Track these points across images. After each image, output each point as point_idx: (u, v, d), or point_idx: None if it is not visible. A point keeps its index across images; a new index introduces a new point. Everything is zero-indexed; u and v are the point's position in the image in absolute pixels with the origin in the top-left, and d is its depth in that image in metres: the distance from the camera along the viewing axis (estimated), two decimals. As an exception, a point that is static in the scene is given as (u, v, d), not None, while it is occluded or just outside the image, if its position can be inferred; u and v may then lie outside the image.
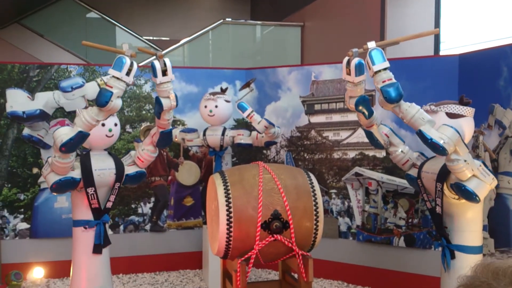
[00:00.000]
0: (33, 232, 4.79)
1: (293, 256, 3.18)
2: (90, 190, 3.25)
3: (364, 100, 2.97)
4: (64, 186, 3.17)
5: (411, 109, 2.77)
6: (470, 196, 2.73)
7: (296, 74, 5.05)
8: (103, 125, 3.31)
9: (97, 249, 3.34)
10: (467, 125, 2.97)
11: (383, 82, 2.75)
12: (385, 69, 2.78)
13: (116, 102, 2.97)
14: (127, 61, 2.98)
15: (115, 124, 3.42)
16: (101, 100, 2.92)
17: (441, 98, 3.18)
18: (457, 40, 6.22)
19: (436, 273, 4.20)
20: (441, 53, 6.27)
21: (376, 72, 2.78)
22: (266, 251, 3.10)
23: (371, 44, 2.84)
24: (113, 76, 2.96)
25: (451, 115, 2.96)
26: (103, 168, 3.31)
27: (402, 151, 3.36)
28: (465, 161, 2.69)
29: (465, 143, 2.76)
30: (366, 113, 2.99)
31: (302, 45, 8.91)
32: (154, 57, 3.09)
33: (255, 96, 5.25)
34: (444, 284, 3.09)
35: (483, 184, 2.73)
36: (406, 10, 6.51)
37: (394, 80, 2.76)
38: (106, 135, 3.37)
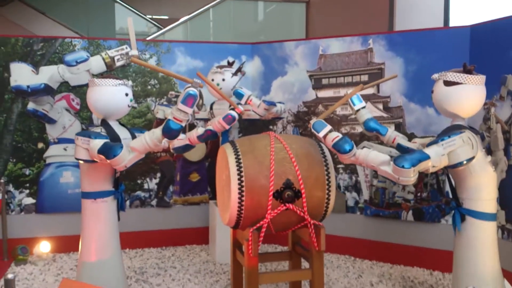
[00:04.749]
0: (39, 207, 4.76)
1: (304, 226, 3.16)
2: None
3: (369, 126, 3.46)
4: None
5: (363, 152, 2.95)
6: (459, 166, 2.86)
7: (303, 48, 4.98)
8: (126, 94, 3.37)
9: (119, 216, 3.55)
10: (466, 93, 2.93)
11: (332, 140, 2.96)
12: (330, 131, 3.01)
13: None
14: (198, 97, 3.01)
15: (126, 94, 3.41)
16: (172, 134, 3.02)
17: (452, 69, 3.12)
18: (466, 16, 6.13)
19: (445, 247, 4.19)
20: (451, 25, 6.18)
21: (324, 137, 3.01)
22: (277, 220, 3.07)
23: (312, 120, 3.13)
24: (180, 109, 2.98)
25: (447, 83, 2.96)
26: (125, 137, 3.37)
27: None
28: (433, 166, 2.82)
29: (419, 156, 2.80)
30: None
31: (307, 22, 8.75)
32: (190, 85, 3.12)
33: (261, 71, 5.19)
34: (457, 251, 3.08)
35: (456, 150, 2.82)
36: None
37: (340, 136, 2.98)
38: (128, 105, 3.42)
